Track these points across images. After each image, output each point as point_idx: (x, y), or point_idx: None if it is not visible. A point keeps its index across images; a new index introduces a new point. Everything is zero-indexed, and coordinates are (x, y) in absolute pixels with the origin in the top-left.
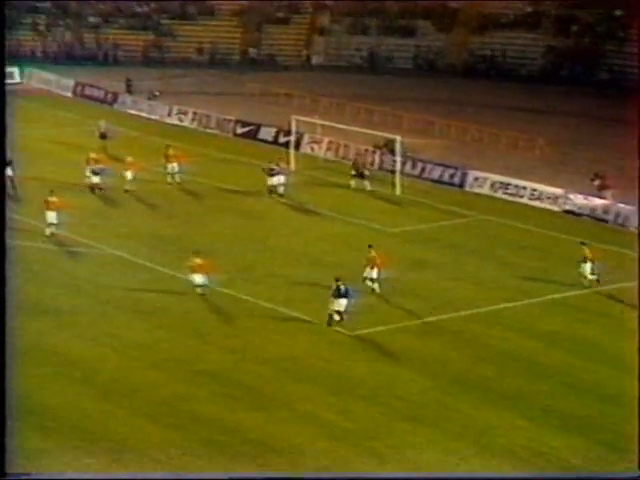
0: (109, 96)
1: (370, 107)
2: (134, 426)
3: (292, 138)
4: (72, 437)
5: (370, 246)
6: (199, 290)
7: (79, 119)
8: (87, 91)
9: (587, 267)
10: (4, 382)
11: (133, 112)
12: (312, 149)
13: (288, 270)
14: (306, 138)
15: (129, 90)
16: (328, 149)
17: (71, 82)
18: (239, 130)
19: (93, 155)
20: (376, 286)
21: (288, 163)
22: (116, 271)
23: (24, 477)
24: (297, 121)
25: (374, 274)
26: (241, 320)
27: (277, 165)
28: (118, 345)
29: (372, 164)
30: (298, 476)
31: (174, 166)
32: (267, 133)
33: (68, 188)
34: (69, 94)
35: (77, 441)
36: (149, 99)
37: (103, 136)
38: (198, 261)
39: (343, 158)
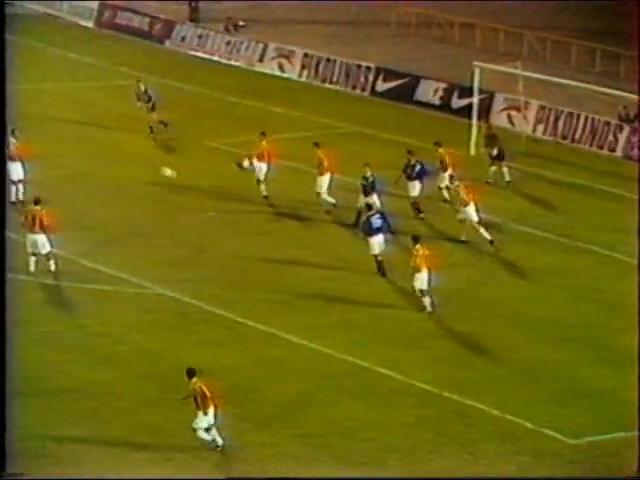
0: (157, 27)
1: (614, 49)
2: None
3: (474, 100)
4: None
5: None
6: None
7: (106, 67)
8: (119, 19)
9: None
10: (4, 383)
11: (199, 54)
12: (510, 120)
13: None
14: (499, 101)
15: (193, 18)
16: (538, 121)
17: (94, 4)
18: (381, 86)
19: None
20: None
21: (469, 141)
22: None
23: (21, 477)
24: (482, 71)
25: None
26: None
27: (411, 155)
28: None
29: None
30: (299, 477)
31: (261, 166)
32: (429, 91)
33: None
34: (90, 24)
35: None
36: (228, 32)
37: (145, 98)
38: None
39: (565, 138)
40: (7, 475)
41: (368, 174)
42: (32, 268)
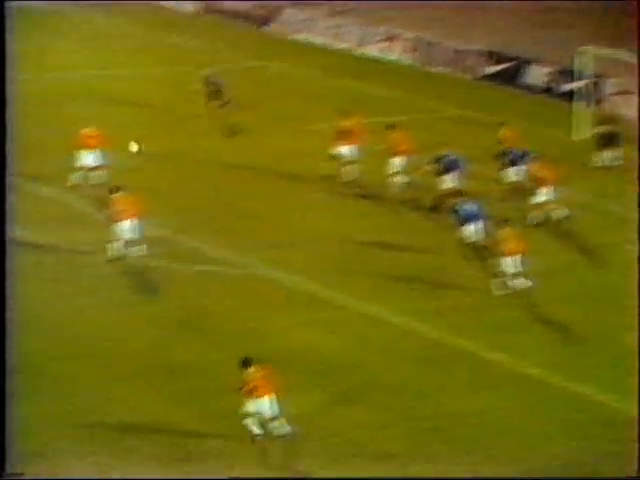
0: (262, 12)
1: None
2: None
3: (579, 84)
4: None
5: None
6: None
7: (205, 48)
8: (223, 3)
9: None
10: (4, 382)
11: (304, 37)
12: (618, 104)
13: None
14: (608, 85)
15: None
16: None
17: None
18: (488, 69)
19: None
20: None
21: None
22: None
23: (21, 477)
24: (590, 55)
25: None
26: None
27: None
28: None
29: None
30: (301, 477)
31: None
32: (537, 74)
33: None
34: (189, 5)
35: None
36: (332, 15)
37: (213, 93)
38: None
39: None
40: (7, 475)
41: (445, 154)
42: (121, 252)
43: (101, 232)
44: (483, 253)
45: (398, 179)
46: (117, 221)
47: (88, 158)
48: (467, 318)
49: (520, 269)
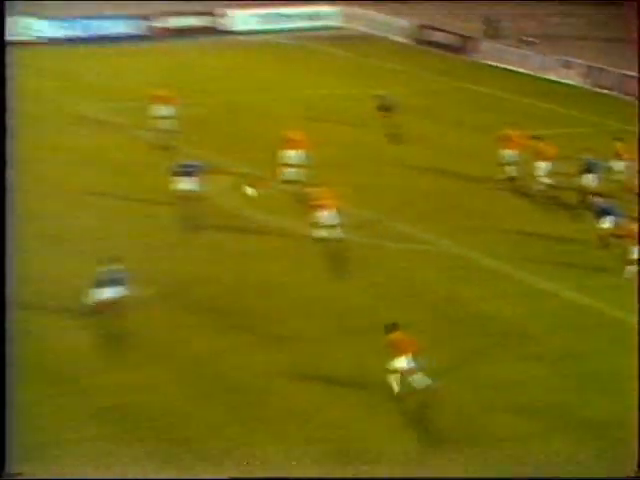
0: (460, 42)
1: None
2: None
3: None
4: None
5: None
6: None
7: (416, 72)
8: (428, 35)
9: None
10: (4, 382)
11: (493, 63)
12: None
13: None
14: None
15: (489, 34)
16: None
17: (406, 23)
18: None
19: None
20: None
21: None
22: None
23: (21, 477)
24: None
25: None
26: None
27: None
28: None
29: None
30: (303, 477)
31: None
32: None
33: None
34: (407, 40)
35: None
36: (519, 46)
37: (385, 108)
38: None
39: None
40: (7, 475)
41: (588, 158)
42: (322, 235)
43: (305, 219)
44: (617, 242)
45: (545, 180)
46: (318, 211)
47: (291, 157)
48: (620, 295)
49: None
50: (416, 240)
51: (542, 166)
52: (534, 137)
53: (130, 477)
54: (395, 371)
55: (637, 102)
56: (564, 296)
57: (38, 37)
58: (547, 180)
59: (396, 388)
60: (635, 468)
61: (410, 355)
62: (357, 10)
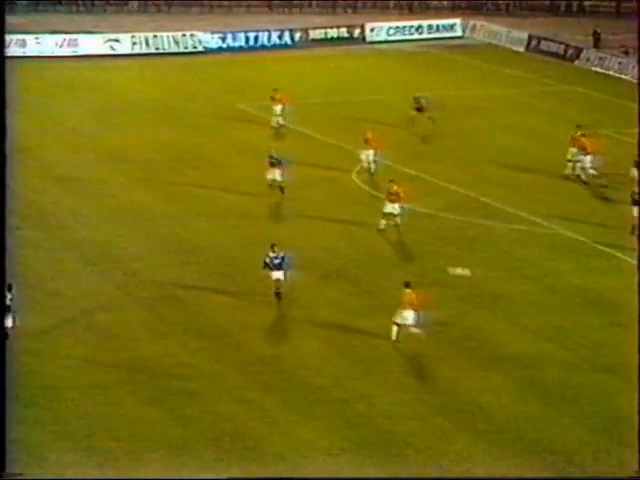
0: (570, 51)
1: None
2: (578, 436)
3: None
4: (503, 439)
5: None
6: None
7: (530, 76)
8: (542, 45)
9: None
10: (4, 383)
11: (598, 70)
12: None
13: None
14: None
15: (596, 44)
16: None
17: (522, 34)
18: None
19: None
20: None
21: None
22: (565, 256)
23: (21, 477)
24: None
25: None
26: None
27: None
28: (566, 342)
29: None
30: (300, 477)
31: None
32: None
33: None
34: (521, 49)
35: (510, 443)
36: (622, 55)
37: (418, 106)
38: None
39: None
40: (7, 475)
41: None
42: (382, 226)
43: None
44: None
45: (590, 171)
46: (391, 202)
47: (369, 156)
48: None
49: None
50: (525, 222)
51: (587, 159)
52: (582, 135)
53: (136, 477)
54: (397, 324)
55: None
56: None
57: (205, 48)
58: (593, 172)
59: (394, 337)
60: (635, 468)
61: (413, 311)
62: (478, 22)
